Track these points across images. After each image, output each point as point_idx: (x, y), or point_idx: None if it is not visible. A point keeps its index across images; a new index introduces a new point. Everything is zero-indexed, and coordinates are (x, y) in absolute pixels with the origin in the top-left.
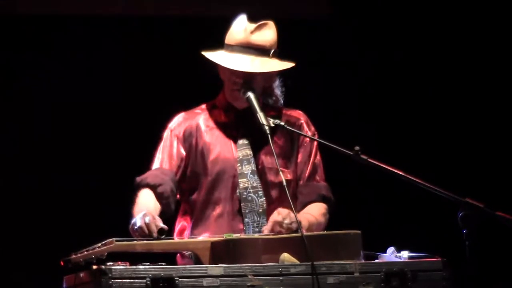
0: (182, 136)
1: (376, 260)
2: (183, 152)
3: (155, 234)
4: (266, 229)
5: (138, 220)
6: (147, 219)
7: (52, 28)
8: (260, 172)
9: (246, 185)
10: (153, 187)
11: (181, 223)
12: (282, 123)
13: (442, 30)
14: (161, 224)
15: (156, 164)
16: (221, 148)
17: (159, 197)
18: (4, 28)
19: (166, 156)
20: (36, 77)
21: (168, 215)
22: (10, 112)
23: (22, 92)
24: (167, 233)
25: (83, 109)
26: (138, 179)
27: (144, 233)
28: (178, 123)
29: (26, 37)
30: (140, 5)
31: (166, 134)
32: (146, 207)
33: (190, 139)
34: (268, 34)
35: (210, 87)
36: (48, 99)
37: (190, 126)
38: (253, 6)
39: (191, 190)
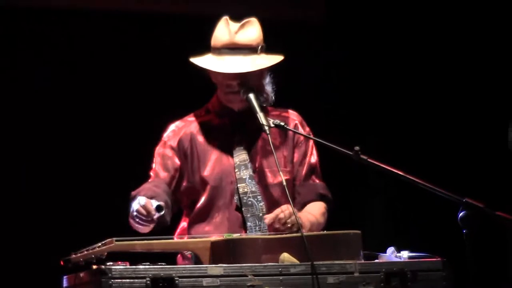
0: (176, 146)
1: (376, 260)
2: (178, 162)
3: (153, 212)
4: (267, 217)
5: (134, 206)
6: (142, 201)
7: (41, 23)
8: (258, 176)
9: (246, 189)
10: None
11: (182, 227)
12: (282, 123)
13: (440, 29)
14: (157, 202)
15: (150, 177)
16: (218, 156)
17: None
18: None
19: (160, 168)
20: (30, 77)
21: (163, 226)
22: (10, 112)
23: (19, 91)
24: (168, 232)
25: (82, 109)
26: (133, 193)
27: (143, 214)
28: (172, 133)
29: (19, 31)
30: (129, 2)
31: (161, 145)
32: None
33: (185, 149)
34: (252, 31)
35: (204, 90)
36: (46, 99)
37: (184, 135)
38: (246, 7)
39: (191, 198)
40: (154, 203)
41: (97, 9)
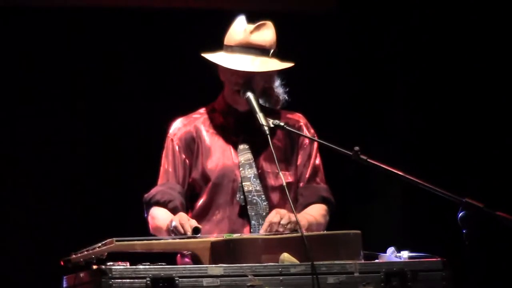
0: (183, 143)
1: (376, 260)
2: (186, 160)
3: (189, 233)
4: (262, 229)
5: (174, 220)
6: (182, 219)
7: (54, 21)
8: (261, 176)
9: (250, 188)
10: (163, 204)
11: None
12: (282, 124)
13: (447, 26)
14: (195, 223)
15: (163, 178)
16: (221, 153)
17: (171, 212)
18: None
19: (171, 168)
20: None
21: None
22: (10, 111)
23: (20, 89)
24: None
25: (82, 108)
26: (147, 196)
27: (180, 232)
28: (177, 130)
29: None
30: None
31: (168, 143)
32: (168, 217)
33: (191, 145)
34: (267, 34)
35: (210, 88)
36: (47, 97)
37: (190, 132)
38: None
39: (193, 195)
40: (192, 221)
41: (106, 6)
